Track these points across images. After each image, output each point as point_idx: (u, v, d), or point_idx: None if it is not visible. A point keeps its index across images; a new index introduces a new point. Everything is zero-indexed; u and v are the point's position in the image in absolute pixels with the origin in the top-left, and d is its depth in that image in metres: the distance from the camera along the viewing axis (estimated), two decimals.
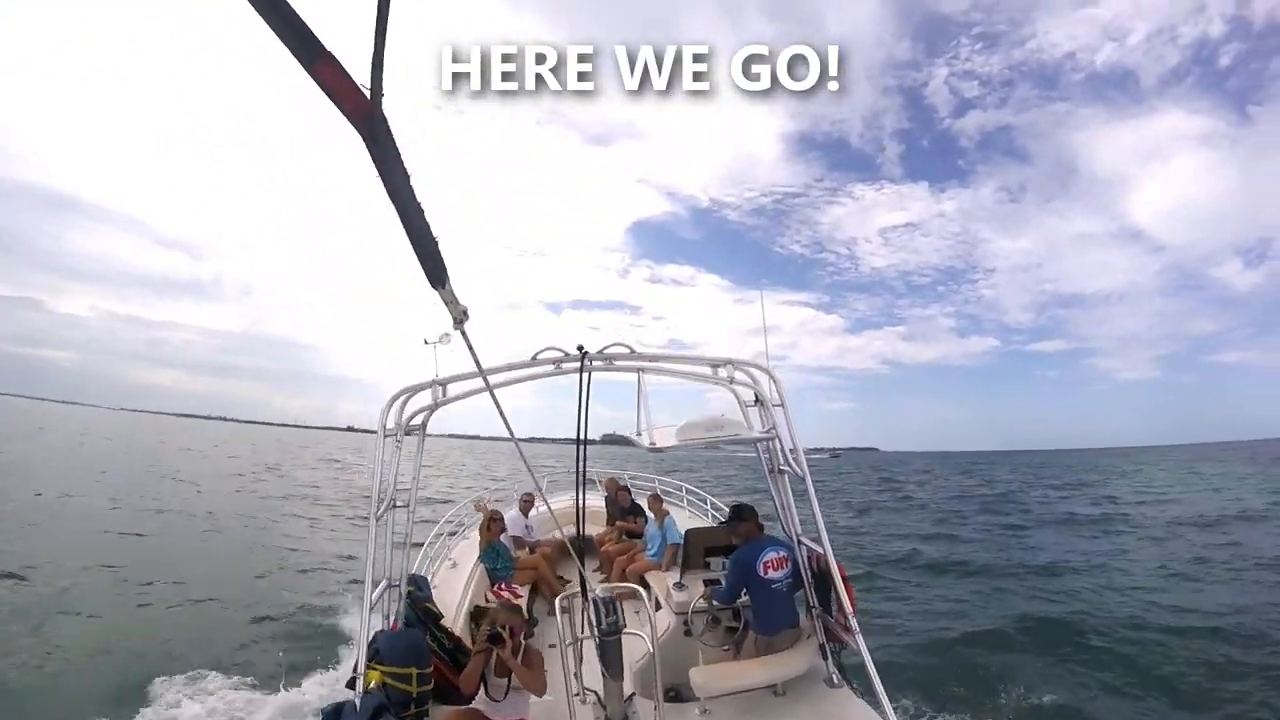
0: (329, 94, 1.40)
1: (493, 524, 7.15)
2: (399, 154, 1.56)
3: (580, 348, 4.75)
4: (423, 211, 1.71)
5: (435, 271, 1.85)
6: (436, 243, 1.81)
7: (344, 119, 1.44)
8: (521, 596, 6.36)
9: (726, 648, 4.92)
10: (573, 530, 5.77)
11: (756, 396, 5.03)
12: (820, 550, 4.50)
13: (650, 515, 7.90)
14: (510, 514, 8.16)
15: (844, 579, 4.37)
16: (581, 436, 4.62)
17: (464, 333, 2.35)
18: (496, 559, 6.95)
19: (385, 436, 4.35)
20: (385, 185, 1.59)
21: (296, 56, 1.34)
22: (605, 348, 4.89)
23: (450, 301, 2.02)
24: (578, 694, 4.23)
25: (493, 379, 4.29)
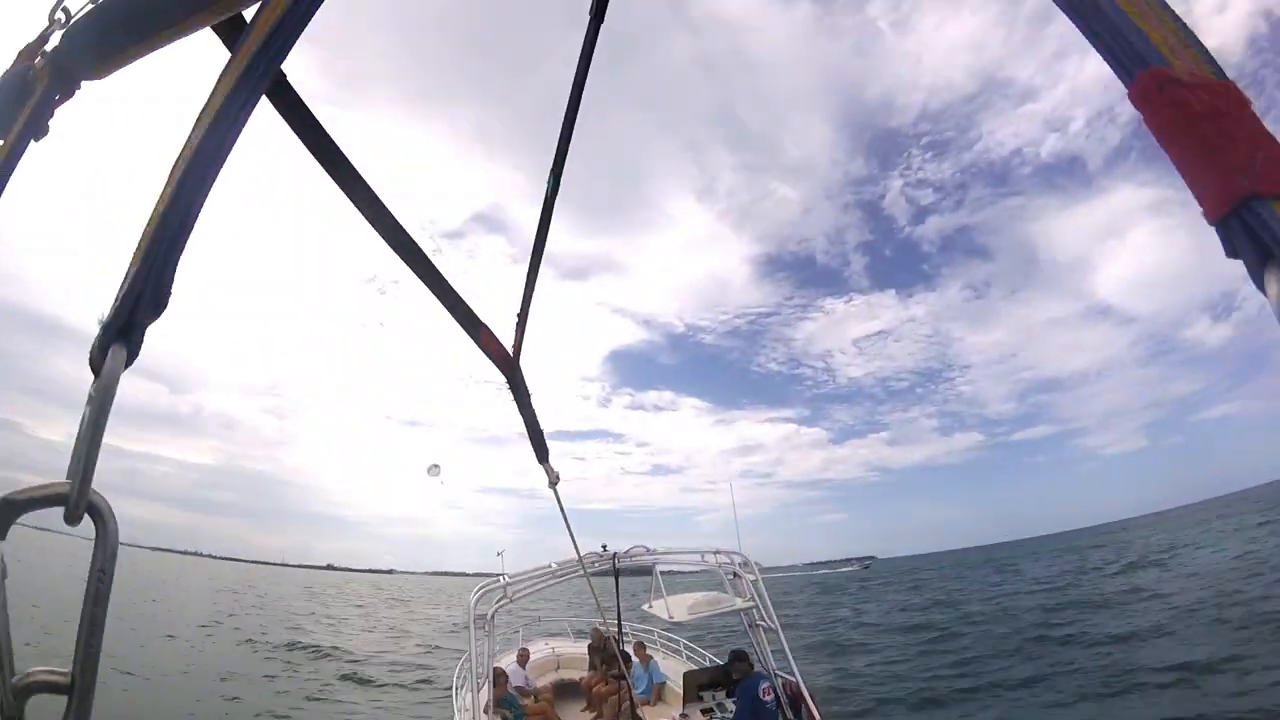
0: (487, 355, 1.96)
1: (499, 679, 8.24)
2: (527, 387, 2.35)
3: (604, 546, 7.39)
4: (536, 414, 2.55)
5: (541, 451, 2.59)
6: (543, 432, 2.63)
7: (492, 367, 2.09)
8: None
9: None
10: (558, 676, 9.44)
11: (735, 573, 7.57)
12: (794, 679, 6.54)
13: (635, 660, 9.21)
14: (511, 667, 9.53)
15: (813, 698, 6.42)
16: (619, 626, 7.32)
17: (556, 493, 3.33)
18: (511, 707, 8.02)
19: (474, 624, 6.58)
20: (518, 406, 2.32)
21: (465, 330, 1.82)
22: (629, 550, 7.52)
23: (549, 471, 2.90)
24: None
25: (539, 581, 7.23)
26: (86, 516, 0.78)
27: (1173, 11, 0.64)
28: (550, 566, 7.64)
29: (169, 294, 0.88)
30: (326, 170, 1.29)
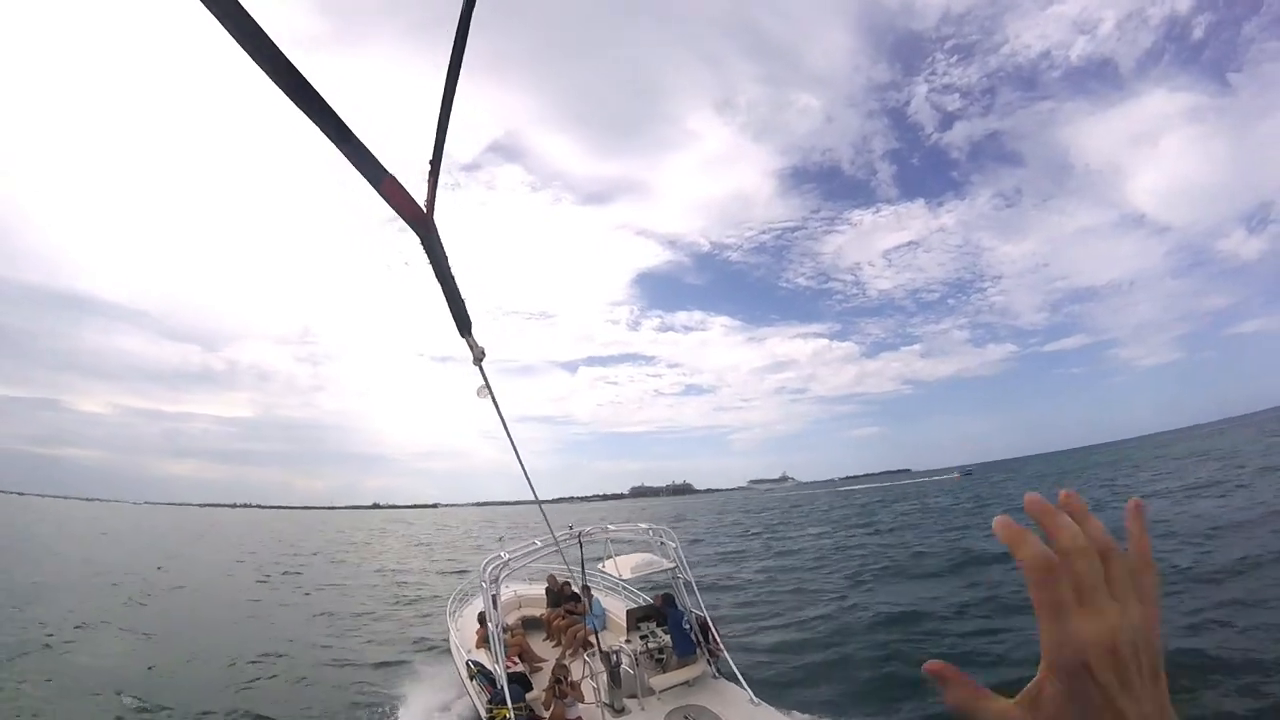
0: (393, 207, 1.78)
1: (483, 621, 10.73)
2: (443, 248, 2.02)
3: (570, 527, 9.73)
4: (454, 279, 2.31)
5: (463, 322, 2.54)
6: (464, 301, 2.47)
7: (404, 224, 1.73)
8: (517, 664, 9.79)
9: (660, 667, 9.05)
10: (522, 613, 11.79)
11: (662, 540, 10.10)
12: (703, 614, 9.34)
13: (584, 600, 11.69)
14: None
15: (714, 625, 9.25)
16: (584, 580, 10.02)
17: (482, 369, 3.46)
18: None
19: (486, 589, 8.74)
20: (434, 269, 2.11)
21: (366, 177, 1.62)
22: (590, 530, 9.99)
23: (472, 345, 2.92)
24: (606, 704, 8.21)
25: (525, 557, 9.40)
26: None
27: None
28: (534, 544, 9.80)
29: None
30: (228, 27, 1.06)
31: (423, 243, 1.76)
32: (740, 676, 8.62)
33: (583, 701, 8.16)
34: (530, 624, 12.13)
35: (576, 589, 11.71)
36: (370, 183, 1.50)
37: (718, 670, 9.01)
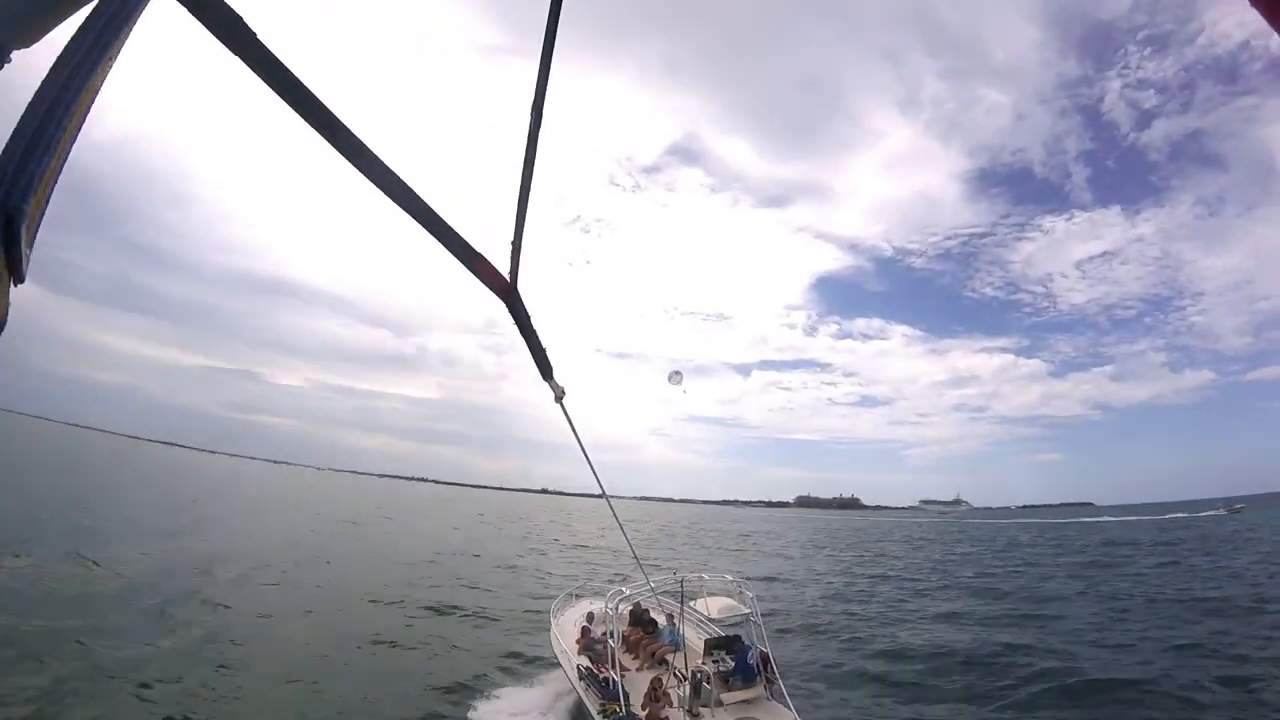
0: (484, 282, 2.00)
1: (585, 633, 13.97)
2: (528, 314, 2.36)
3: (674, 572, 13.76)
4: (537, 335, 2.66)
5: (544, 369, 2.81)
6: (545, 351, 2.80)
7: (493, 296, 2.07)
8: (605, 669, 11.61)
9: (726, 687, 11.44)
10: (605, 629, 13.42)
11: (741, 589, 13.19)
12: (766, 650, 11.64)
13: (663, 624, 14.25)
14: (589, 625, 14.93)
15: (773, 660, 11.56)
16: (669, 614, 13.57)
17: (563, 407, 3.71)
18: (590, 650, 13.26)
19: (614, 614, 11.94)
20: (520, 329, 2.44)
21: (462, 262, 1.86)
22: (689, 577, 13.45)
23: (554, 388, 3.23)
24: (686, 709, 10.58)
25: (639, 595, 13.35)
26: None
27: None
28: (649, 585, 13.05)
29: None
30: (307, 120, 1.25)
31: (509, 309, 2.20)
32: (789, 700, 11.06)
33: (671, 706, 10.73)
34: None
35: (655, 615, 14.81)
36: (466, 267, 1.89)
37: (771, 695, 11.60)
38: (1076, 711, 13.43)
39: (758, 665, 11.75)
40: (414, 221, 1.64)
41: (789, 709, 10.88)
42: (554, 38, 1.99)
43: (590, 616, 15.42)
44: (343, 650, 16.25)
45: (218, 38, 1.09)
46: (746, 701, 11.29)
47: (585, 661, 12.52)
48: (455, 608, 22.29)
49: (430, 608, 21.92)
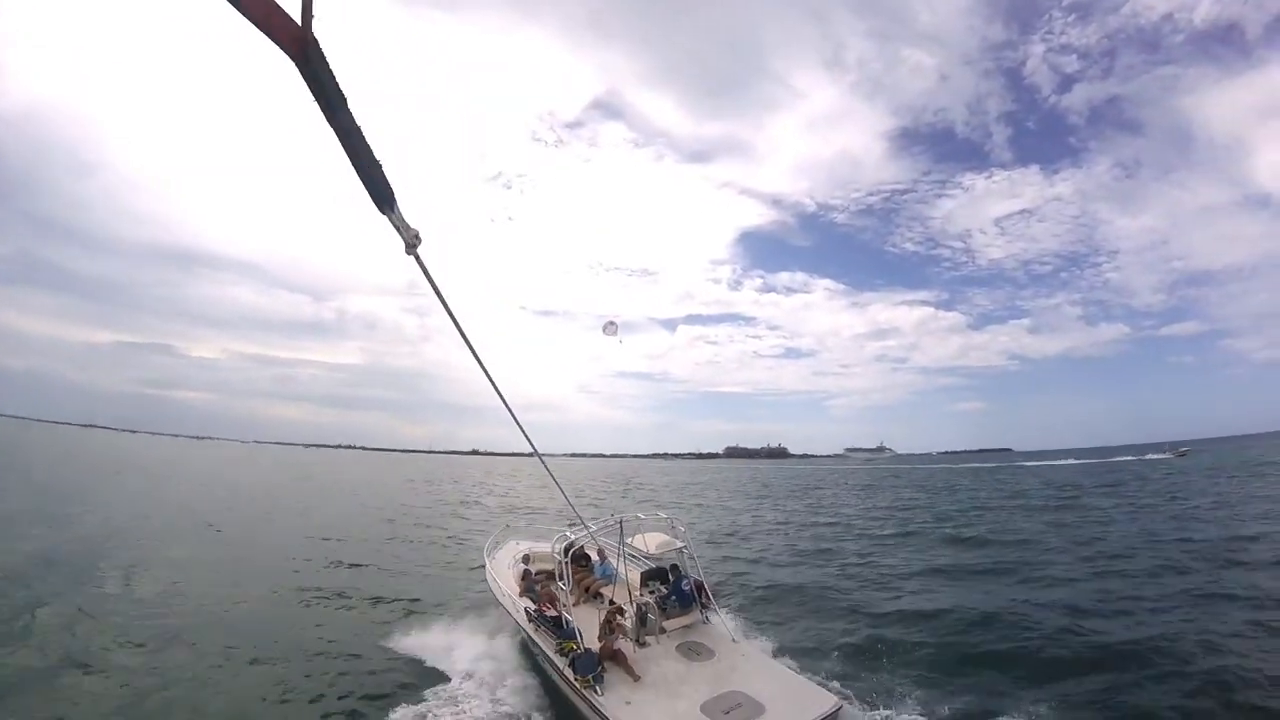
0: (257, 24, 1.57)
1: (525, 575, 14.63)
2: (335, 78, 1.73)
3: (612, 514, 13.78)
4: (363, 134, 1.94)
5: (381, 195, 2.16)
6: (380, 166, 2.09)
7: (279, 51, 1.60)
8: (551, 608, 12.17)
9: (665, 615, 12.31)
10: (540, 566, 15.29)
11: (673, 524, 14.06)
12: (700, 578, 12.71)
13: (595, 559, 14.77)
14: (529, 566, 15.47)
15: (708, 587, 12.69)
16: (624, 571, 13.58)
17: (417, 257, 2.95)
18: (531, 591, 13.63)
19: (563, 560, 12.34)
20: (323, 111, 1.80)
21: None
22: (627, 517, 14.01)
23: (399, 226, 2.40)
24: (633, 639, 11.33)
25: (584, 537, 13.59)
26: None
27: None
28: (592, 527, 13.69)
29: None
30: None
31: (303, 75, 1.66)
32: (726, 624, 12.21)
33: (623, 637, 11.23)
34: (548, 576, 14.53)
35: (588, 552, 15.02)
36: (234, 5, 1.50)
37: (707, 619, 12.44)
38: (1114, 675, 12.20)
39: (693, 592, 12.76)
40: None
41: (726, 629, 12.08)
42: None
43: (526, 558, 16.36)
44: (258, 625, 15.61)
45: None
46: (687, 627, 12.25)
47: (528, 603, 12.91)
48: (372, 566, 22.45)
49: (346, 568, 22.07)
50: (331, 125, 1.84)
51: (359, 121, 1.84)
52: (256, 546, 25.27)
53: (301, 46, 1.61)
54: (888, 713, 10.71)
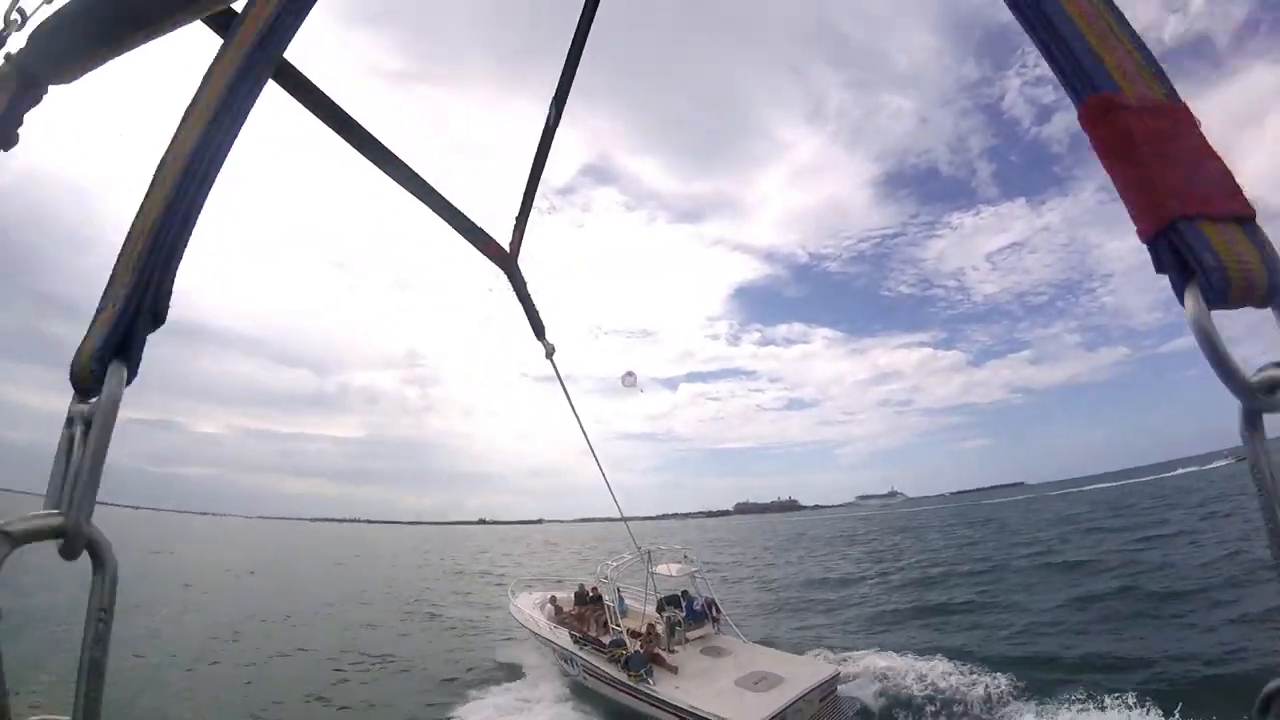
0: (486, 255, 2.41)
1: (558, 610, 17.76)
2: (523, 279, 2.72)
3: (639, 546, 15.90)
4: (532, 299, 2.99)
5: (538, 328, 3.27)
6: (539, 313, 3.18)
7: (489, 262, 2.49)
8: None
9: (686, 629, 15.14)
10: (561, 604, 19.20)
11: (686, 555, 17.43)
12: (712, 597, 16.09)
13: (607, 598, 15.71)
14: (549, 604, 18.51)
15: (718, 604, 15.94)
16: (653, 597, 16.22)
17: (553, 362, 4.11)
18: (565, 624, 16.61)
19: (612, 582, 15.39)
20: (518, 295, 2.84)
21: (469, 240, 2.25)
22: (652, 549, 16.81)
23: (546, 345, 3.66)
24: (665, 647, 14.25)
25: (620, 567, 15.92)
26: (86, 553, 0.77)
27: (1134, 34, 0.75)
28: (625, 556, 16.23)
29: (168, 303, 0.90)
30: (337, 131, 1.58)
31: (509, 276, 2.62)
32: (736, 630, 15.04)
33: (659, 646, 14.04)
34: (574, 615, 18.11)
35: (602, 594, 16.86)
36: (472, 243, 2.27)
37: (719, 630, 15.47)
38: None
39: (704, 609, 15.83)
40: (426, 206, 1.98)
41: (737, 635, 15.02)
42: (584, 39, 2.25)
43: (553, 599, 18.98)
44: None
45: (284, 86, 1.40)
46: (703, 636, 15.12)
47: (565, 633, 15.59)
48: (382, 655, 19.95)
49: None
50: (520, 301, 2.90)
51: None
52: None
53: (510, 265, 2.57)
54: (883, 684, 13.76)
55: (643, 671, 12.66)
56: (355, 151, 1.65)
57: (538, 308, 3.05)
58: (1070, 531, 39.42)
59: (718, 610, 15.94)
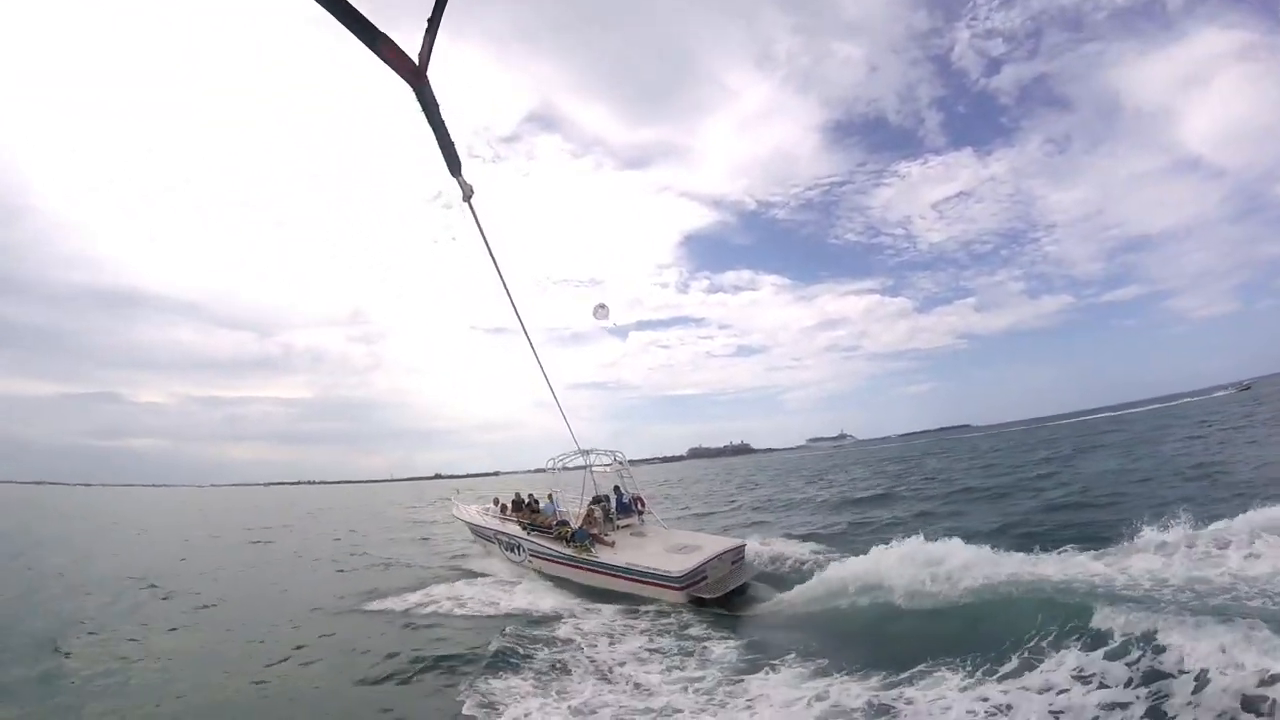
0: (390, 65, 2.16)
1: (503, 509, 21.43)
2: (436, 99, 2.44)
3: (578, 445, 19.32)
4: (445, 126, 2.68)
5: (453, 162, 2.94)
6: (454, 144, 2.83)
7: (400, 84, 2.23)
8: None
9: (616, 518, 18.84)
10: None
11: (615, 456, 20.76)
12: (637, 492, 19.67)
13: (542, 503, 19.85)
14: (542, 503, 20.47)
15: (641, 500, 19.47)
16: (594, 495, 19.73)
17: (471, 206, 3.85)
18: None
19: (551, 470, 20.35)
20: (429, 119, 2.53)
21: (363, 41, 2.00)
22: (593, 450, 20.30)
23: (463, 184, 3.37)
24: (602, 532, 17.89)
25: (566, 458, 20.20)
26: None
27: None
28: (571, 453, 19.75)
29: None
30: None
31: (418, 97, 2.29)
32: (660, 521, 19.23)
33: (596, 527, 17.22)
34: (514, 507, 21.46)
35: (536, 498, 20.77)
36: (368, 46, 1.97)
37: (644, 521, 18.82)
38: None
39: (631, 503, 19.22)
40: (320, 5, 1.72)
41: (660, 524, 19.14)
42: None
43: (496, 500, 22.61)
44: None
45: None
46: (629, 526, 18.45)
47: (514, 524, 19.55)
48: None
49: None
50: (431, 127, 2.58)
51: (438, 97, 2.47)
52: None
53: (420, 79, 2.27)
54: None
55: (586, 542, 16.12)
56: None
57: (452, 137, 2.76)
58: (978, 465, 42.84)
59: (643, 505, 19.39)
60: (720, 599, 13.94)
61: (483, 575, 18.18)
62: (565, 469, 20.34)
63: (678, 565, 14.33)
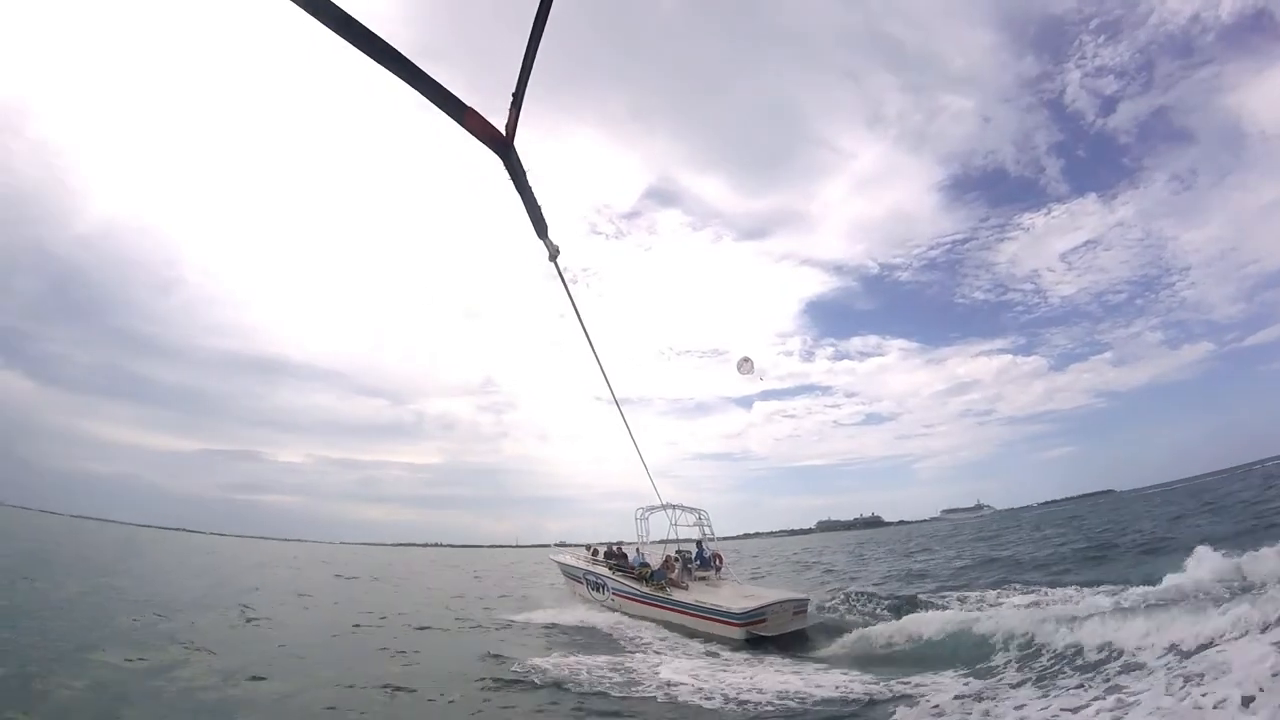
0: (476, 135, 2.23)
1: (594, 554, 23.97)
2: (523, 166, 2.50)
3: (660, 498, 21.15)
4: (532, 191, 2.76)
5: (540, 225, 3.10)
6: (540, 208, 2.94)
7: (488, 152, 2.31)
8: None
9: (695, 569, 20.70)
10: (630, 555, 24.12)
11: (697, 513, 22.75)
12: (717, 550, 21.75)
13: (631, 555, 21.70)
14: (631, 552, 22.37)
15: (720, 557, 21.43)
16: (671, 537, 22.37)
17: (556, 265, 3.98)
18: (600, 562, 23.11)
19: (637, 520, 23.16)
20: (515, 185, 2.61)
21: (448, 113, 2.08)
22: (679, 504, 22.72)
23: (549, 244, 3.48)
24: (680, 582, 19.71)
25: (650, 510, 23.19)
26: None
27: None
28: (655, 504, 21.74)
29: None
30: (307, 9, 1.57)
31: (504, 163, 2.40)
32: (734, 578, 20.44)
33: (674, 574, 18.92)
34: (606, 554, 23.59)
35: (625, 551, 22.91)
36: (453, 117, 2.08)
37: (721, 577, 20.27)
38: None
39: (711, 559, 20.97)
40: (396, 77, 1.92)
41: (735, 580, 20.52)
42: None
43: (589, 547, 25.09)
44: None
45: None
46: (705, 578, 20.00)
47: (604, 566, 21.96)
48: None
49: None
50: (519, 192, 2.71)
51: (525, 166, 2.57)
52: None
53: (505, 147, 2.39)
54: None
55: (662, 583, 18.44)
56: (332, 34, 1.66)
57: (539, 202, 2.85)
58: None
59: (720, 561, 21.17)
60: (776, 638, 15.07)
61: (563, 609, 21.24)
62: (647, 517, 22.80)
63: (740, 605, 15.86)
